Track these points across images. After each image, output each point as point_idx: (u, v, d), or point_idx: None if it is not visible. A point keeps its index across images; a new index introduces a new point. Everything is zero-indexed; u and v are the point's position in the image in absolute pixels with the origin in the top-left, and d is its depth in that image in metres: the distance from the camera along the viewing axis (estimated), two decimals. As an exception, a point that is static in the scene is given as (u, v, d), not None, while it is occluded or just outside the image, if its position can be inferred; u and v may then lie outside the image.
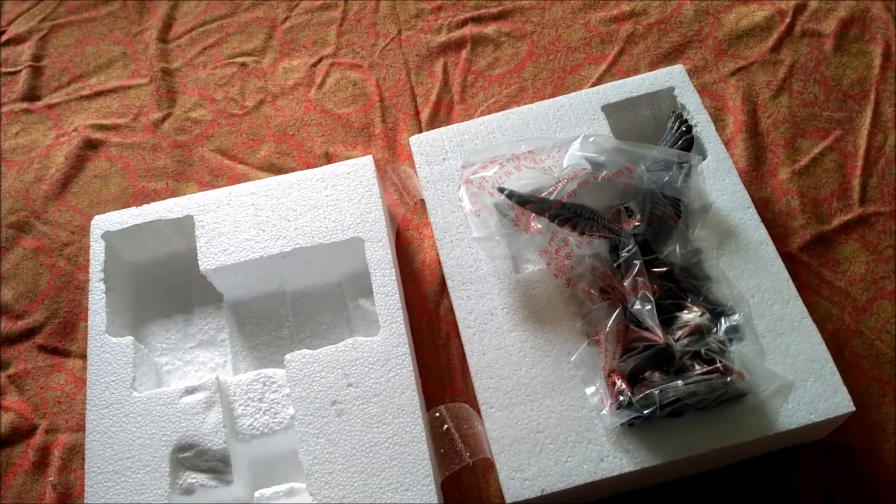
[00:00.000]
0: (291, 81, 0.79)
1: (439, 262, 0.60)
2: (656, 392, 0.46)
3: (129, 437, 0.52)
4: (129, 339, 0.56)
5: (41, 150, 0.77)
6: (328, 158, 0.73)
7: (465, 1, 0.82)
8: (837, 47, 0.72)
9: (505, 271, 0.56)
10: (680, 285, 0.51)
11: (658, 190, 0.53)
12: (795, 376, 0.49)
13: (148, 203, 0.62)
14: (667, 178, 0.53)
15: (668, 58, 0.74)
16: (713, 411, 0.48)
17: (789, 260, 0.60)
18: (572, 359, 0.51)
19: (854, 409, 0.48)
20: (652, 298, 0.48)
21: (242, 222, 0.60)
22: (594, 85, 0.72)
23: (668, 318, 0.49)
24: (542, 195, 0.53)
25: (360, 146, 0.73)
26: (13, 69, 0.84)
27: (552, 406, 0.50)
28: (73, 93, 0.81)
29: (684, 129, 0.59)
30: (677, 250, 0.52)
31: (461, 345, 0.54)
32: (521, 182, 0.54)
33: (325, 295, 0.63)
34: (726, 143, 0.64)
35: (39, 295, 0.68)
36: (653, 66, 0.74)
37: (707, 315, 0.50)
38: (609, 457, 0.48)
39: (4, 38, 0.87)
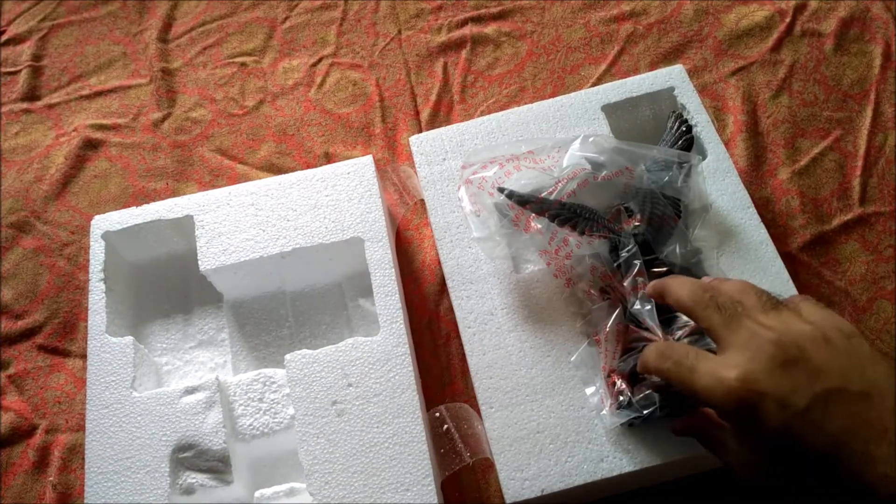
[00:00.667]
0: (291, 81, 0.79)
1: (439, 262, 0.60)
2: (656, 392, 0.46)
3: (129, 437, 0.52)
4: (129, 339, 0.56)
5: (41, 150, 0.77)
6: (328, 158, 0.73)
7: (465, 1, 0.82)
8: (837, 47, 0.72)
9: (505, 271, 0.56)
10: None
11: (658, 190, 0.53)
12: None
13: (148, 203, 0.62)
14: (667, 178, 0.53)
15: (668, 58, 0.74)
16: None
17: (789, 260, 0.60)
18: (572, 359, 0.51)
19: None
20: (652, 299, 0.48)
21: (242, 222, 0.60)
22: (594, 85, 0.73)
23: (667, 319, 0.49)
24: (542, 195, 0.53)
25: (360, 146, 0.73)
26: (13, 69, 0.84)
27: (552, 406, 0.50)
28: (73, 93, 0.81)
29: (684, 128, 0.59)
30: (677, 250, 0.52)
31: (461, 345, 0.54)
32: (521, 182, 0.54)
33: (325, 295, 0.63)
34: (726, 143, 0.64)
35: (39, 295, 0.68)
36: (653, 66, 0.74)
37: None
38: (609, 457, 0.48)
39: (4, 38, 0.87)
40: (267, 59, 0.81)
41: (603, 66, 0.75)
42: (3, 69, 0.84)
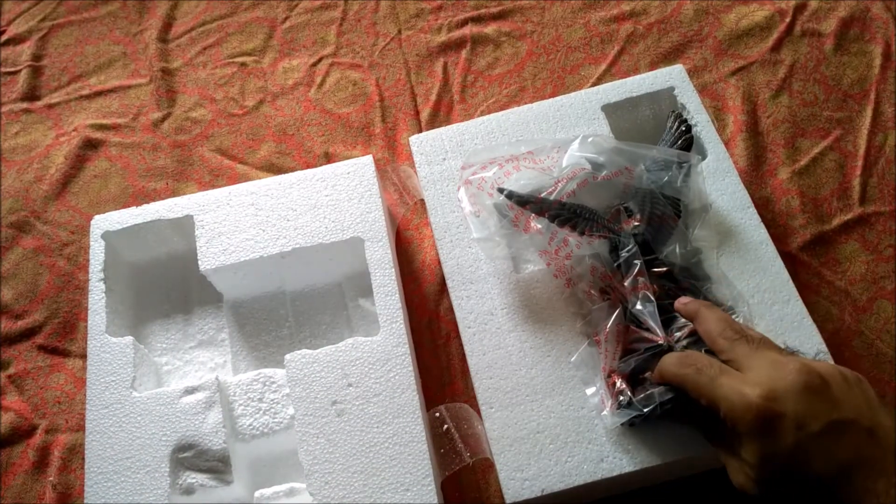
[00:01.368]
0: (291, 81, 0.79)
1: (439, 262, 0.60)
2: (656, 392, 0.46)
3: (129, 437, 0.52)
4: (129, 339, 0.56)
5: (41, 150, 0.77)
6: (328, 158, 0.73)
7: (465, 1, 0.82)
8: (837, 47, 0.72)
9: (505, 271, 0.56)
10: (680, 285, 0.51)
11: (657, 190, 0.53)
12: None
13: (148, 203, 0.62)
14: (666, 178, 0.53)
15: (668, 58, 0.74)
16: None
17: (789, 260, 0.60)
18: (572, 359, 0.51)
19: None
20: (653, 299, 0.48)
21: (242, 222, 0.60)
22: (594, 85, 0.73)
23: (667, 319, 0.49)
24: (542, 195, 0.53)
25: (360, 146, 0.73)
26: (13, 69, 0.84)
27: (552, 406, 0.50)
28: (73, 93, 0.81)
29: (684, 128, 0.59)
30: (677, 250, 0.52)
31: (461, 345, 0.54)
32: (521, 182, 0.54)
33: (325, 295, 0.63)
34: (726, 143, 0.64)
35: (39, 295, 0.68)
36: (653, 65, 0.74)
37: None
38: (609, 457, 0.48)
39: (4, 37, 0.87)
40: (267, 59, 0.81)
41: (603, 66, 0.75)
42: (3, 69, 0.84)
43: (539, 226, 0.52)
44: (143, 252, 0.64)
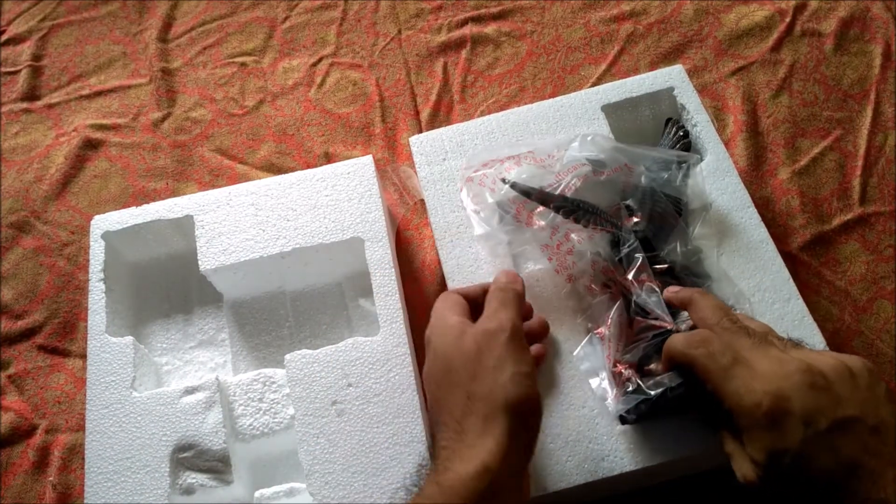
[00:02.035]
0: (291, 81, 0.79)
1: (439, 262, 0.59)
2: (665, 377, 0.45)
3: (129, 437, 0.52)
4: (129, 339, 0.56)
5: (41, 150, 0.77)
6: (328, 158, 0.73)
7: (465, 1, 0.82)
8: (837, 47, 0.72)
9: (505, 271, 0.56)
10: (681, 282, 0.51)
11: (658, 189, 0.53)
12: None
13: (148, 203, 0.62)
14: (666, 177, 0.53)
15: (668, 57, 0.74)
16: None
17: (789, 259, 0.60)
18: (575, 353, 0.51)
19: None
20: (658, 289, 0.48)
21: (242, 222, 0.60)
22: (594, 85, 0.73)
23: (671, 312, 0.49)
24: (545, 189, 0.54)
25: (360, 146, 0.73)
26: (13, 69, 0.84)
27: (552, 405, 0.50)
28: (73, 92, 0.81)
29: (681, 133, 0.59)
30: (678, 248, 0.52)
31: (461, 345, 0.54)
32: (522, 176, 0.54)
33: (325, 295, 0.63)
34: (726, 143, 0.64)
35: (39, 295, 0.68)
36: (653, 65, 0.74)
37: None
38: (609, 456, 0.48)
39: (4, 37, 0.87)
40: (267, 59, 0.81)
41: (603, 66, 0.75)
42: (3, 69, 0.84)
43: (541, 221, 0.52)
44: (143, 252, 0.64)
